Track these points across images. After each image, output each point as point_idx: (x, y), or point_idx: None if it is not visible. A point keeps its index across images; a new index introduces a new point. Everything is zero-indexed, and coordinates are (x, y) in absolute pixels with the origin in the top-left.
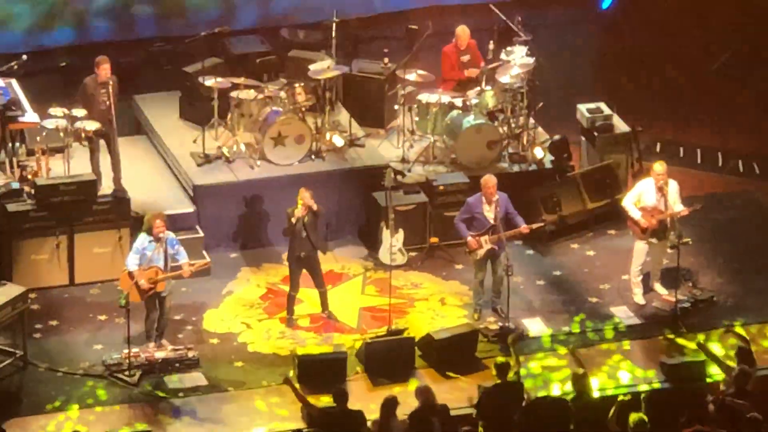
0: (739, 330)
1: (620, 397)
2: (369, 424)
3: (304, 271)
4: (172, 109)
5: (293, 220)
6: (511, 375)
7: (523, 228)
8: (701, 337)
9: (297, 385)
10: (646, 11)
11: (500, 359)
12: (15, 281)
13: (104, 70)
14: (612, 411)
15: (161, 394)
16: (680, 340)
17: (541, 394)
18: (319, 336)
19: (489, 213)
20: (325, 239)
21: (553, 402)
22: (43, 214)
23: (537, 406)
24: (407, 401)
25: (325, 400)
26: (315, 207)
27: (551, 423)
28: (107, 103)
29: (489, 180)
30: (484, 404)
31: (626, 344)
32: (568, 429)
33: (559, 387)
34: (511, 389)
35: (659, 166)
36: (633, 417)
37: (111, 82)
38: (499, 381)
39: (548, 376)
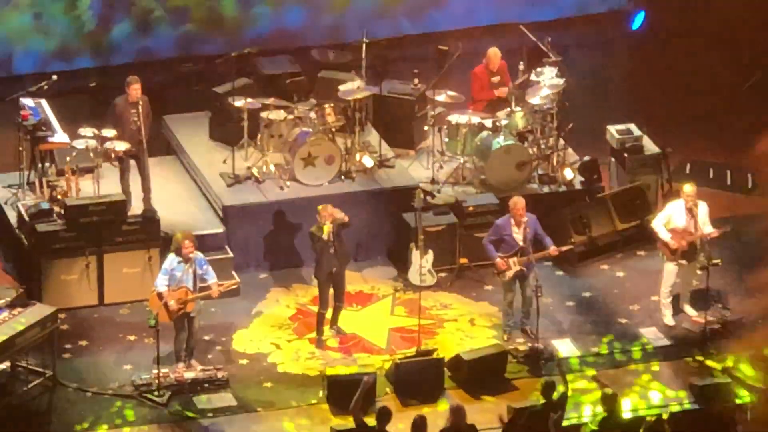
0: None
1: (648, 418)
2: None
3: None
4: (201, 129)
5: (325, 237)
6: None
7: (552, 250)
8: (729, 361)
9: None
10: (675, 32)
11: (547, 378)
12: (44, 301)
13: (135, 90)
14: None
15: (190, 415)
16: (709, 362)
17: (573, 417)
18: (347, 356)
19: (518, 235)
20: (354, 259)
21: (533, 413)
22: (73, 235)
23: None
24: (436, 422)
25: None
26: (345, 219)
27: None
28: (137, 123)
29: (518, 202)
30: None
31: (656, 365)
32: None
33: (591, 409)
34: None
35: (689, 188)
36: None
37: (141, 102)
38: (544, 401)
39: (578, 398)
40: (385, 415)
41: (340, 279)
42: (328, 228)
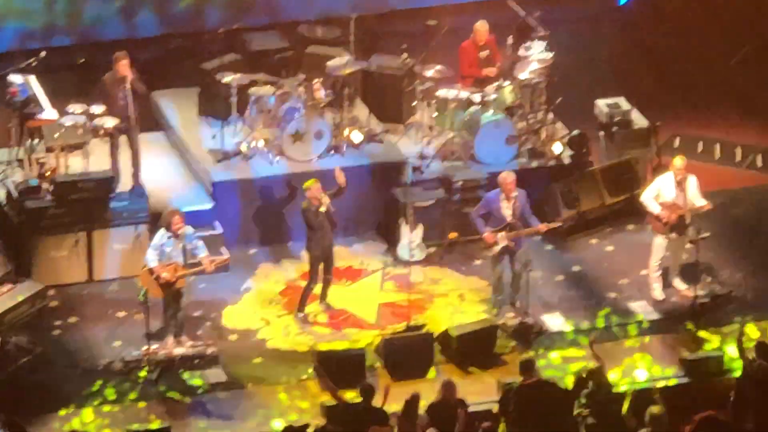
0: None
1: (632, 389)
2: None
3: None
4: (190, 105)
5: (323, 209)
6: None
7: (541, 226)
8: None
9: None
10: (663, 6)
11: (525, 356)
12: (34, 278)
13: (123, 66)
14: (626, 404)
15: (180, 391)
16: (699, 335)
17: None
18: (337, 332)
19: (507, 209)
20: (343, 235)
21: (544, 385)
22: (62, 211)
23: (527, 391)
24: (425, 397)
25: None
26: (343, 184)
27: (546, 407)
28: (126, 99)
29: (507, 176)
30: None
31: (645, 339)
32: (568, 412)
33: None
34: (543, 387)
35: (679, 161)
36: (651, 410)
37: (129, 78)
38: (523, 379)
39: (568, 371)
40: (367, 391)
41: (331, 252)
42: (327, 201)
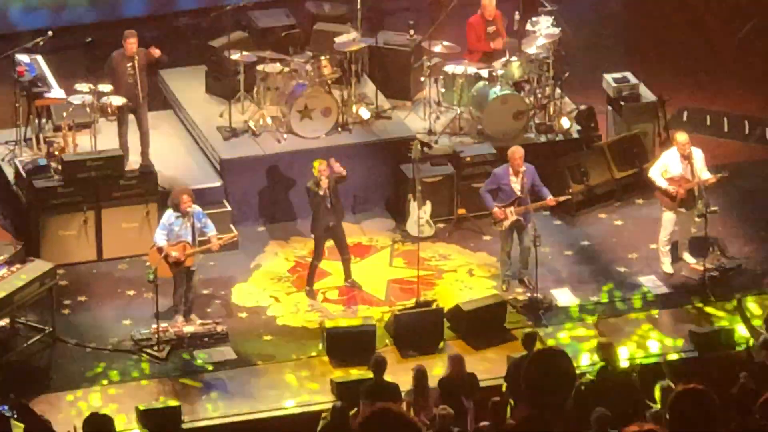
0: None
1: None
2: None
3: (329, 241)
4: (198, 83)
5: (321, 192)
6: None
7: (549, 200)
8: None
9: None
10: None
11: (528, 330)
12: (43, 257)
13: (131, 44)
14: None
15: (190, 369)
16: (709, 309)
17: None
18: (347, 309)
19: (515, 184)
20: (352, 212)
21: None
22: (71, 190)
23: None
24: (436, 371)
25: (354, 373)
26: (343, 173)
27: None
28: (134, 77)
29: (516, 151)
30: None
31: (655, 313)
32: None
33: (588, 357)
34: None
35: (681, 136)
36: (661, 384)
37: (137, 57)
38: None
39: (577, 347)
40: (378, 365)
41: (339, 233)
42: (324, 183)
